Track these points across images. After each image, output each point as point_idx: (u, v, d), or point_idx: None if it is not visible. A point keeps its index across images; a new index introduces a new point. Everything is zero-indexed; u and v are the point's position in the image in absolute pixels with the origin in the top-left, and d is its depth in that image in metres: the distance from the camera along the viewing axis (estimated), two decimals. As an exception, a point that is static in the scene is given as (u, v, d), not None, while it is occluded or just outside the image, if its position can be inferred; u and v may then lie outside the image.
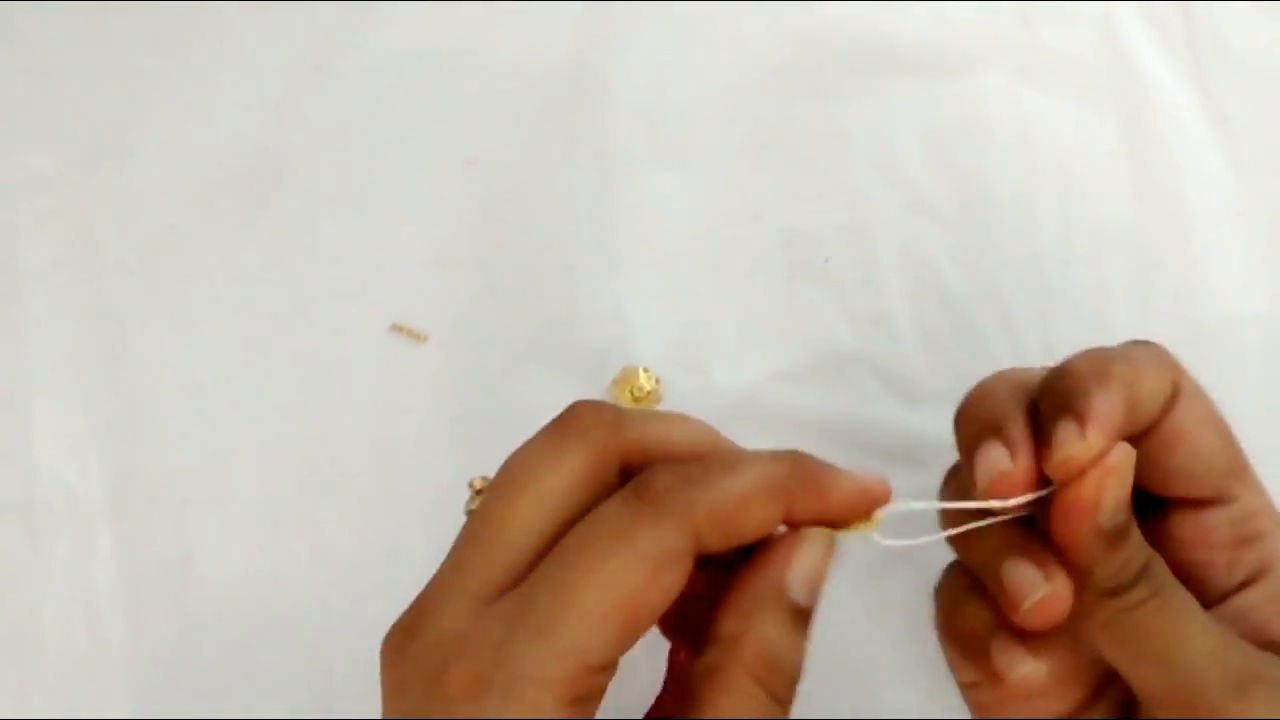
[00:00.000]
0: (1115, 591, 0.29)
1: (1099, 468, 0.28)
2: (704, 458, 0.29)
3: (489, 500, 0.29)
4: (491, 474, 0.29)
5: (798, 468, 0.29)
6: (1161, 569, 0.29)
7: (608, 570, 0.26)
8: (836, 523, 0.29)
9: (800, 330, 0.43)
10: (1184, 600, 0.29)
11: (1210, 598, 0.31)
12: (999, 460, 0.29)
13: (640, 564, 0.26)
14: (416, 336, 0.43)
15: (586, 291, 0.43)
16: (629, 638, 0.27)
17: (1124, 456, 0.28)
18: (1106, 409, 0.28)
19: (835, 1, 0.45)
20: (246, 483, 0.42)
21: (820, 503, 0.29)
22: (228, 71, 0.45)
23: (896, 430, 0.42)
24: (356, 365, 0.43)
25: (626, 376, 0.42)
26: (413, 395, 0.43)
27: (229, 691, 0.41)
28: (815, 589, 0.28)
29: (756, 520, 0.28)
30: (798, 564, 0.28)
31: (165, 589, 0.41)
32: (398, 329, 0.43)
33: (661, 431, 0.30)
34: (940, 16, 0.45)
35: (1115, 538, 0.28)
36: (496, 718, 0.25)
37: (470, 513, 0.30)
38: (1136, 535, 0.29)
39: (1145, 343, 0.31)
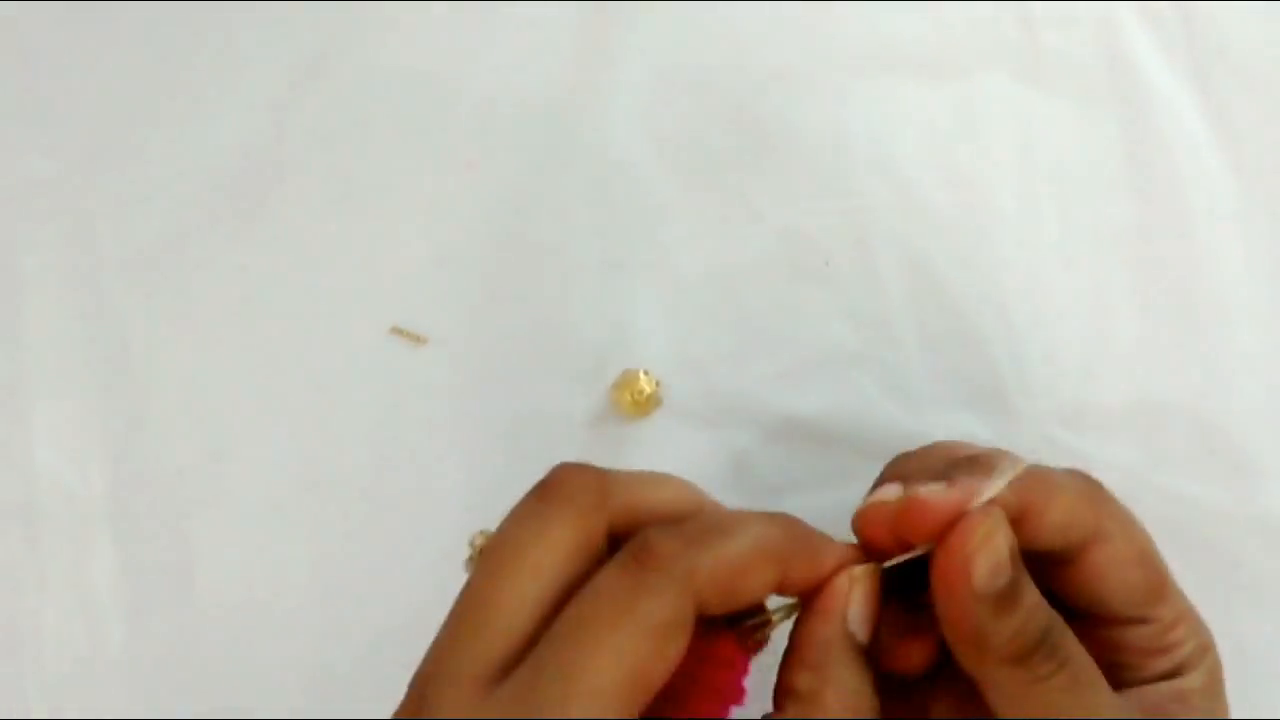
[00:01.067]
0: (1018, 659, 0.28)
1: (963, 528, 0.28)
2: (697, 518, 0.29)
3: (480, 578, 0.28)
4: (492, 527, 0.29)
5: (791, 531, 0.29)
6: (1066, 638, 0.29)
7: (613, 645, 0.26)
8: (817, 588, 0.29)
9: (800, 332, 0.43)
10: (1092, 675, 0.29)
11: (1120, 683, 0.31)
12: (880, 493, 0.30)
13: (645, 636, 0.26)
14: (416, 339, 0.43)
15: (586, 293, 0.43)
16: (635, 710, 0.26)
17: (991, 520, 0.28)
18: (971, 482, 0.29)
19: (836, 2, 0.45)
20: (246, 484, 0.42)
21: (814, 567, 0.29)
22: (229, 74, 0.45)
23: (896, 432, 0.42)
24: (356, 367, 0.43)
25: (627, 379, 0.42)
26: (412, 397, 0.43)
27: (229, 692, 0.41)
28: (872, 623, 0.29)
29: (757, 584, 0.28)
30: (856, 602, 0.29)
31: (165, 591, 0.41)
32: (397, 331, 0.43)
33: (649, 493, 0.30)
34: (941, 18, 0.45)
35: (1002, 602, 0.28)
36: None
37: (467, 581, 0.29)
38: (1032, 600, 0.29)
39: (1084, 476, 0.32)
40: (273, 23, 0.45)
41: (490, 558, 0.28)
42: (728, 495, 0.42)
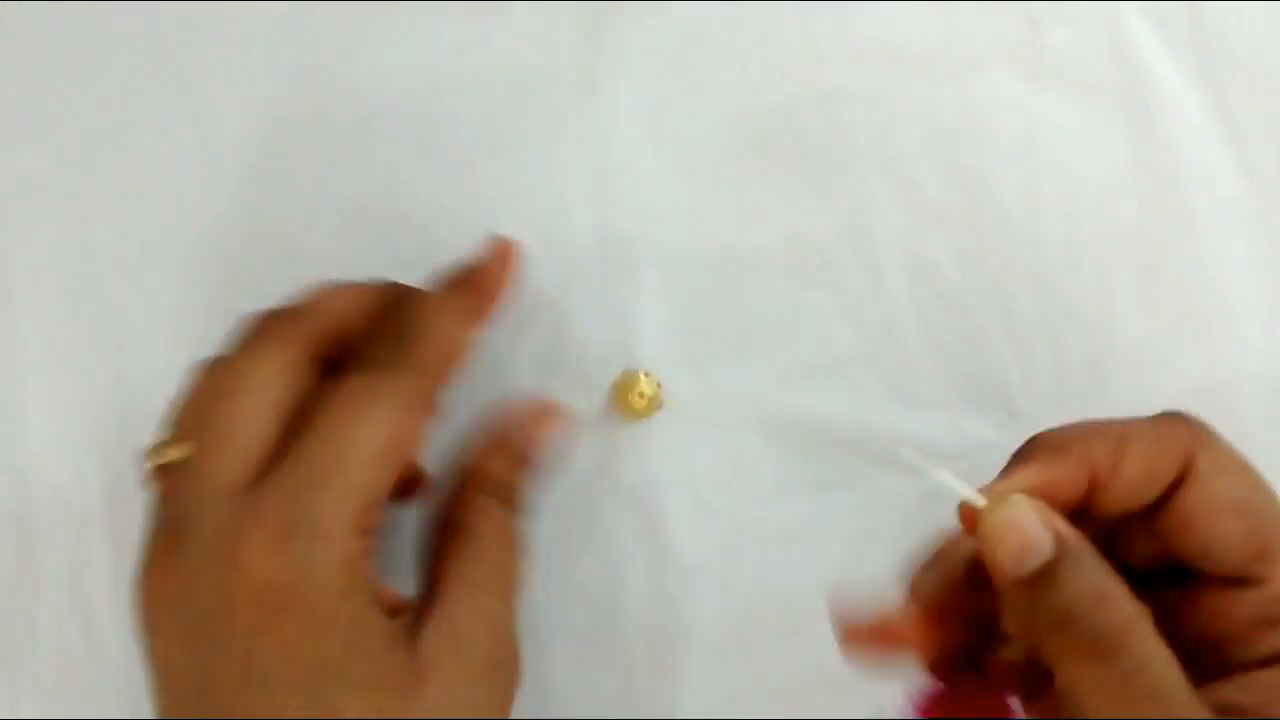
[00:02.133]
0: (1058, 630, 0.27)
1: (986, 522, 0.29)
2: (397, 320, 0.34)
3: (205, 406, 0.32)
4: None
5: (449, 279, 0.37)
6: (1133, 638, 0.27)
7: (371, 419, 0.31)
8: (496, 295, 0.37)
9: (802, 332, 0.43)
10: (1161, 670, 0.27)
11: (1230, 666, 0.30)
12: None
13: (396, 407, 0.31)
14: (415, 338, 0.43)
15: (586, 293, 0.43)
16: (395, 474, 0.31)
17: (1006, 512, 0.28)
18: (1018, 478, 0.30)
19: (837, 1, 0.45)
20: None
21: (480, 294, 0.37)
22: (227, 73, 0.45)
23: (898, 432, 0.42)
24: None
25: (627, 381, 0.41)
26: (411, 397, 0.43)
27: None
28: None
29: (459, 345, 0.35)
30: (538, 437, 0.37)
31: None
32: (396, 331, 0.43)
33: (340, 309, 0.35)
34: (944, 16, 0.45)
35: (1040, 581, 0.27)
36: (306, 557, 0.29)
37: (158, 465, 0.32)
38: (1082, 585, 0.27)
39: (1172, 416, 0.31)
40: (273, 23, 0.45)
41: (210, 392, 0.32)
42: (727, 495, 0.42)
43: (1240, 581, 0.30)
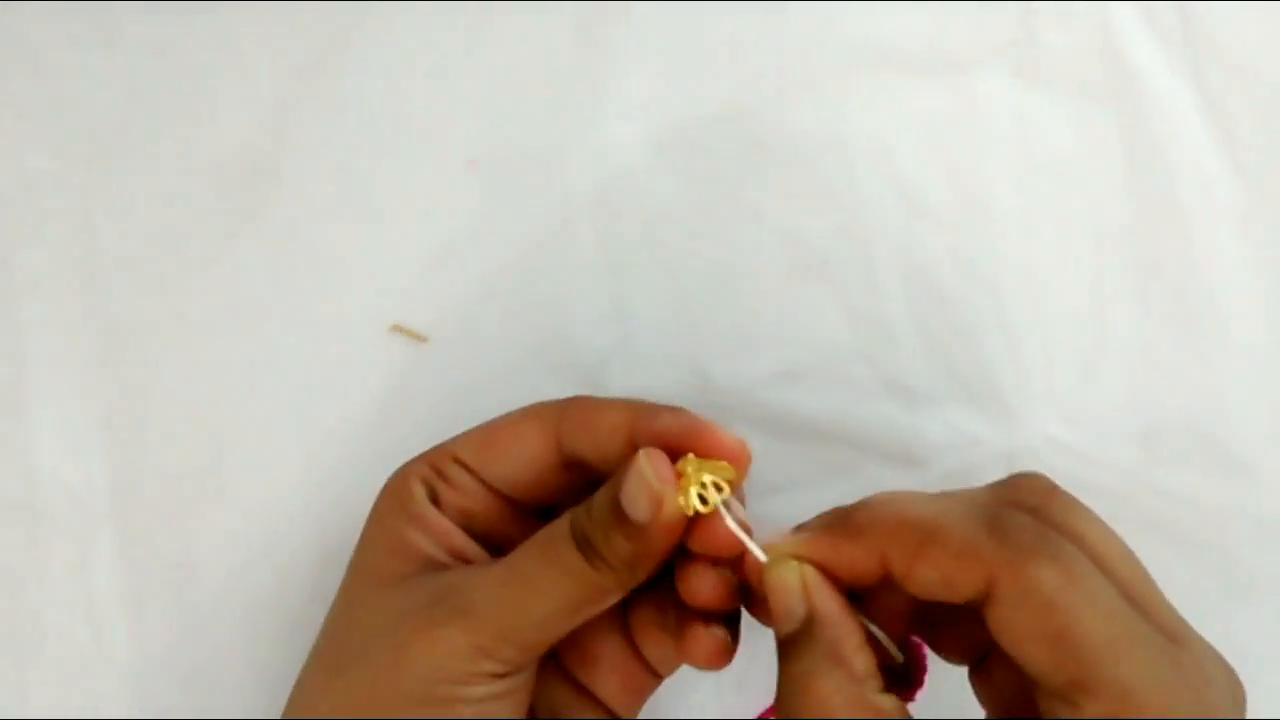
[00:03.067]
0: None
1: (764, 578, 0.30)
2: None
3: None
4: None
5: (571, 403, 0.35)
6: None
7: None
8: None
9: (799, 331, 0.43)
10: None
11: None
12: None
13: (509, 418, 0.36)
14: (417, 337, 0.43)
15: (587, 293, 0.43)
16: (487, 452, 0.35)
17: (775, 574, 0.30)
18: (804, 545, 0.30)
19: (834, 1, 0.45)
20: (247, 484, 0.42)
21: (669, 430, 0.32)
22: (228, 72, 0.44)
23: (895, 431, 0.42)
24: (357, 366, 0.43)
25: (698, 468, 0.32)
26: (413, 396, 0.43)
27: (229, 692, 0.41)
28: (639, 507, 0.30)
29: (607, 434, 0.33)
30: (626, 481, 0.30)
31: (167, 590, 0.41)
32: (398, 330, 0.43)
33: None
34: (938, 16, 0.45)
35: (784, 645, 0.29)
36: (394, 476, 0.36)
37: None
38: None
39: (996, 521, 0.28)
40: (273, 22, 0.45)
41: None
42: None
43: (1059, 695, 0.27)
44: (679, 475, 0.31)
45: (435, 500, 0.35)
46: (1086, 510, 0.30)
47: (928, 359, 0.43)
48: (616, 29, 0.45)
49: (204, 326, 0.43)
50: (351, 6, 0.45)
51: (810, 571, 0.29)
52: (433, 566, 0.33)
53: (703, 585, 0.31)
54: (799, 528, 0.31)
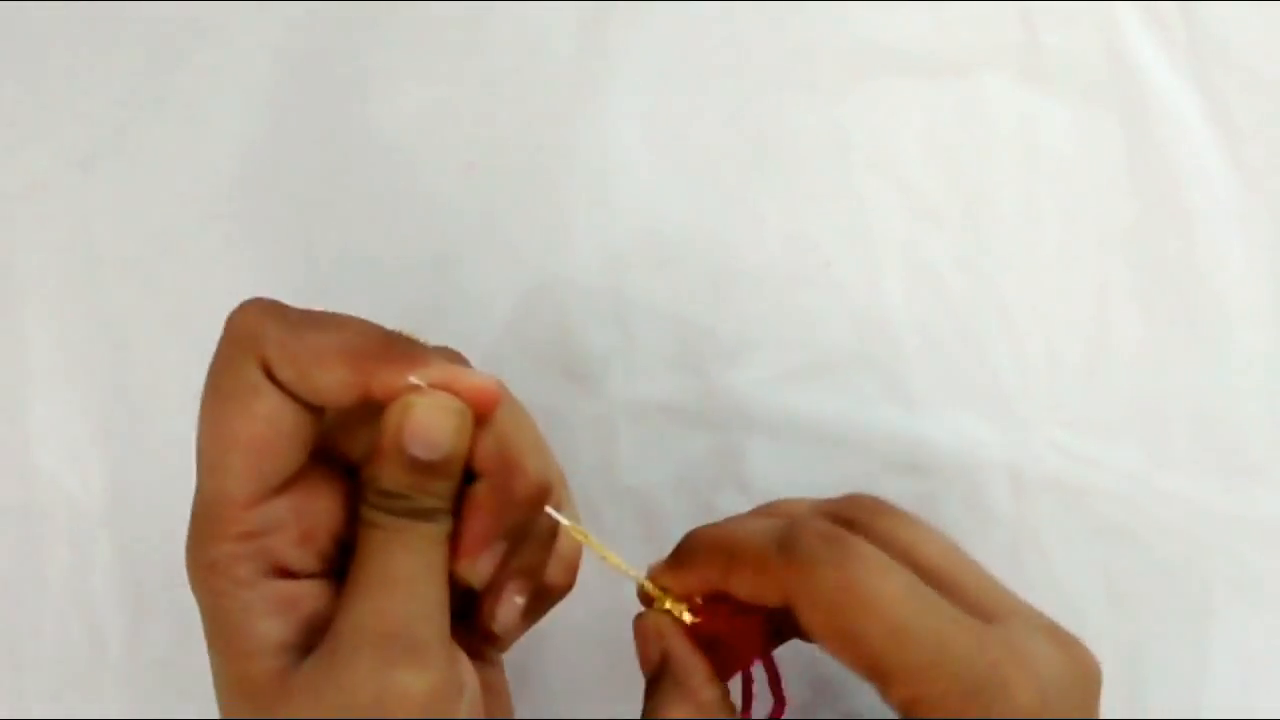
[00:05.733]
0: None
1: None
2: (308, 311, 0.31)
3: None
4: None
5: (388, 339, 0.30)
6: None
7: (207, 410, 0.29)
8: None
9: (801, 333, 0.43)
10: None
11: None
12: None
13: (220, 395, 0.29)
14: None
15: (587, 295, 0.43)
16: (255, 470, 0.28)
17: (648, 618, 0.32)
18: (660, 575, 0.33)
19: (835, 2, 0.45)
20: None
21: (398, 375, 0.29)
22: (228, 73, 0.45)
23: (898, 435, 0.42)
24: (356, 368, 0.43)
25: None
26: (413, 398, 0.43)
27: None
28: (435, 445, 0.29)
29: (332, 380, 0.28)
30: (409, 430, 0.28)
31: (164, 594, 0.41)
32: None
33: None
34: (941, 18, 0.45)
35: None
36: (195, 559, 0.28)
37: None
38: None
39: (786, 538, 0.30)
40: (273, 22, 0.45)
41: None
42: (727, 495, 0.42)
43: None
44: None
45: (279, 567, 0.30)
46: (906, 515, 0.32)
47: (930, 362, 0.43)
48: (617, 29, 0.45)
49: (204, 327, 0.43)
50: (351, 6, 0.45)
51: (665, 620, 0.32)
52: (289, 650, 0.29)
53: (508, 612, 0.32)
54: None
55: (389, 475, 0.29)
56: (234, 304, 0.43)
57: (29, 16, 0.44)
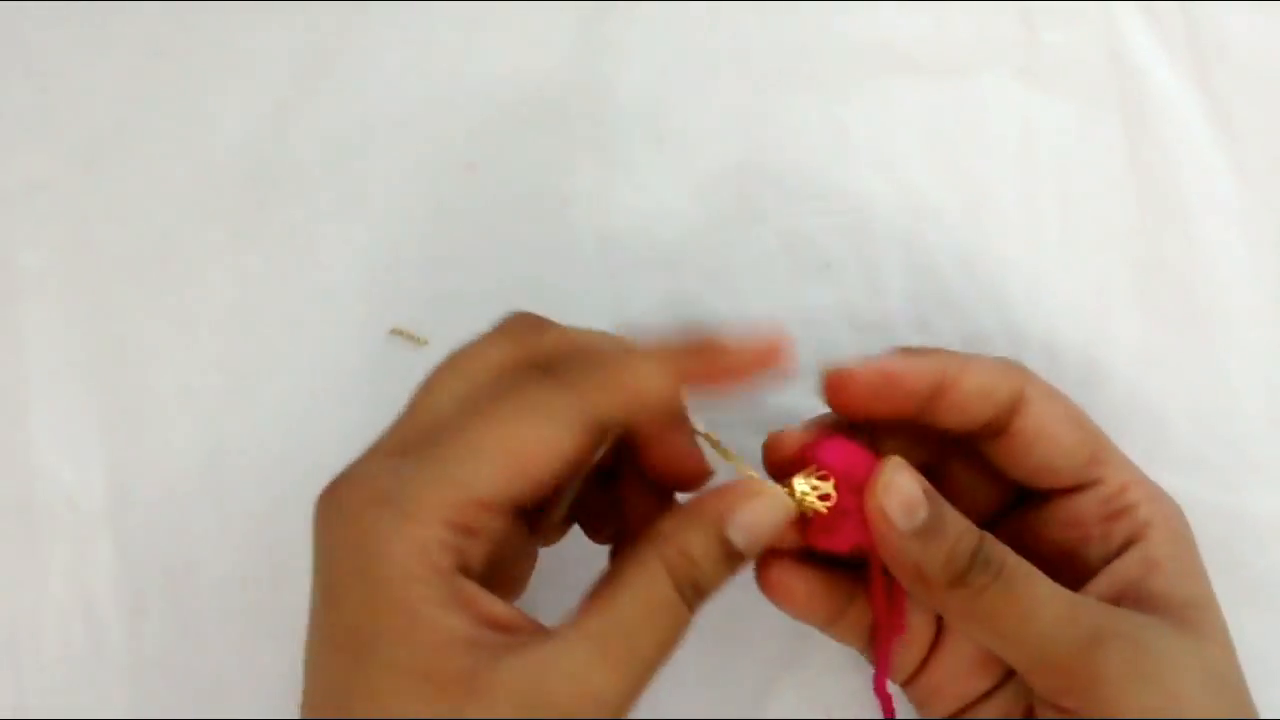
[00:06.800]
0: (956, 581, 0.31)
1: (873, 484, 0.32)
2: (604, 346, 0.32)
3: (420, 384, 0.32)
4: None
5: (686, 338, 0.33)
6: (997, 549, 0.32)
7: (500, 420, 0.30)
8: (735, 377, 0.32)
9: (801, 333, 0.43)
10: (1027, 573, 0.32)
11: (1091, 567, 0.34)
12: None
13: (531, 418, 0.30)
14: (416, 340, 0.43)
15: (587, 295, 0.43)
16: (517, 483, 0.29)
17: (890, 466, 0.32)
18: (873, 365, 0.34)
19: (836, 2, 0.45)
20: (246, 486, 0.42)
21: (710, 364, 0.32)
22: (228, 74, 0.45)
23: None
24: (356, 368, 0.43)
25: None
26: (413, 397, 0.43)
27: (229, 692, 0.41)
28: (754, 539, 0.31)
29: (648, 391, 0.31)
30: (740, 511, 0.31)
31: (165, 592, 0.41)
32: (398, 332, 0.43)
33: (579, 335, 0.33)
34: (941, 17, 0.45)
35: (927, 533, 0.31)
36: (384, 528, 0.28)
37: None
38: (957, 526, 0.32)
39: (1003, 359, 0.35)
40: (273, 22, 0.45)
41: (434, 369, 0.32)
42: (728, 496, 0.42)
43: (1079, 488, 0.34)
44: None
45: (464, 567, 0.30)
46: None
47: (930, 361, 0.43)
48: (617, 29, 0.45)
49: (203, 327, 0.43)
50: (351, 7, 0.45)
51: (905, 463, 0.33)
52: (476, 648, 0.29)
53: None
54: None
55: (699, 545, 0.30)
56: (234, 303, 0.43)
57: (29, 16, 0.44)
